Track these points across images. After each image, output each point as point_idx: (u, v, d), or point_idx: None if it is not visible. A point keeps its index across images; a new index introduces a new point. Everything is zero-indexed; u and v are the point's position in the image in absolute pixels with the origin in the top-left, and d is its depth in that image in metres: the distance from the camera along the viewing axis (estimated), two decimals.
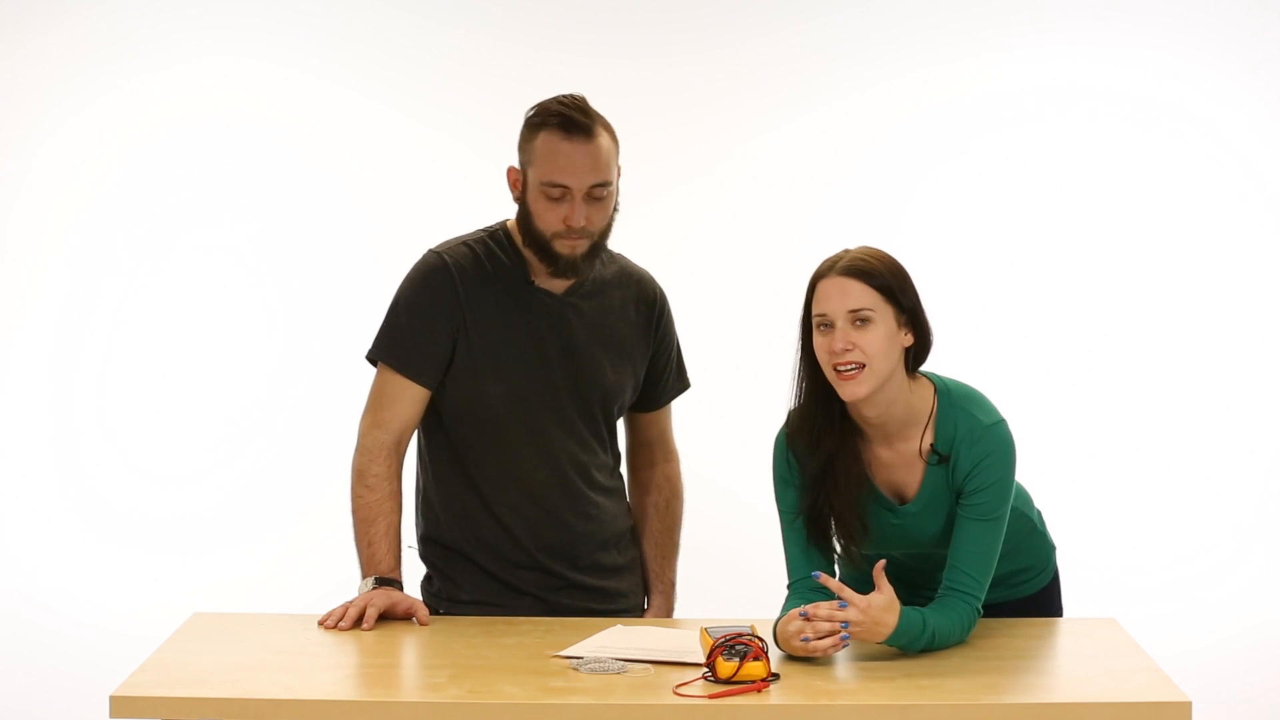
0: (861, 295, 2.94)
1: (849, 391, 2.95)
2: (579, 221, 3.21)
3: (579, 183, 3.20)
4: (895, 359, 2.97)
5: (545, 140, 3.22)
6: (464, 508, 3.37)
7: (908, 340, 2.99)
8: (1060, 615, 3.31)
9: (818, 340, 2.98)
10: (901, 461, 3.06)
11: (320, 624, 3.14)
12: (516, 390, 3.31)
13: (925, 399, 3.03)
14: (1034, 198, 5.06)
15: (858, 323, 2.94)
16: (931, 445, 3.03)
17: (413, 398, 3.31)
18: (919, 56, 5.05)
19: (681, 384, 3.55)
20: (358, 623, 3.14)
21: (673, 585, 3.55)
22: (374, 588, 3.22)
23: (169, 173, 5.06)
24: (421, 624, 3.17)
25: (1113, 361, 5.06)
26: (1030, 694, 2.82)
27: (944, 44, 5.06)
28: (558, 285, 3.34)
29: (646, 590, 3.54)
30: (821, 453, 3.03)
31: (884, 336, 2.95)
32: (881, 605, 2.88)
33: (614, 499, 3.46)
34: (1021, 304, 5.07)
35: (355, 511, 3.31)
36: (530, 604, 3.36)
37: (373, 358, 3.36)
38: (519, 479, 3.34)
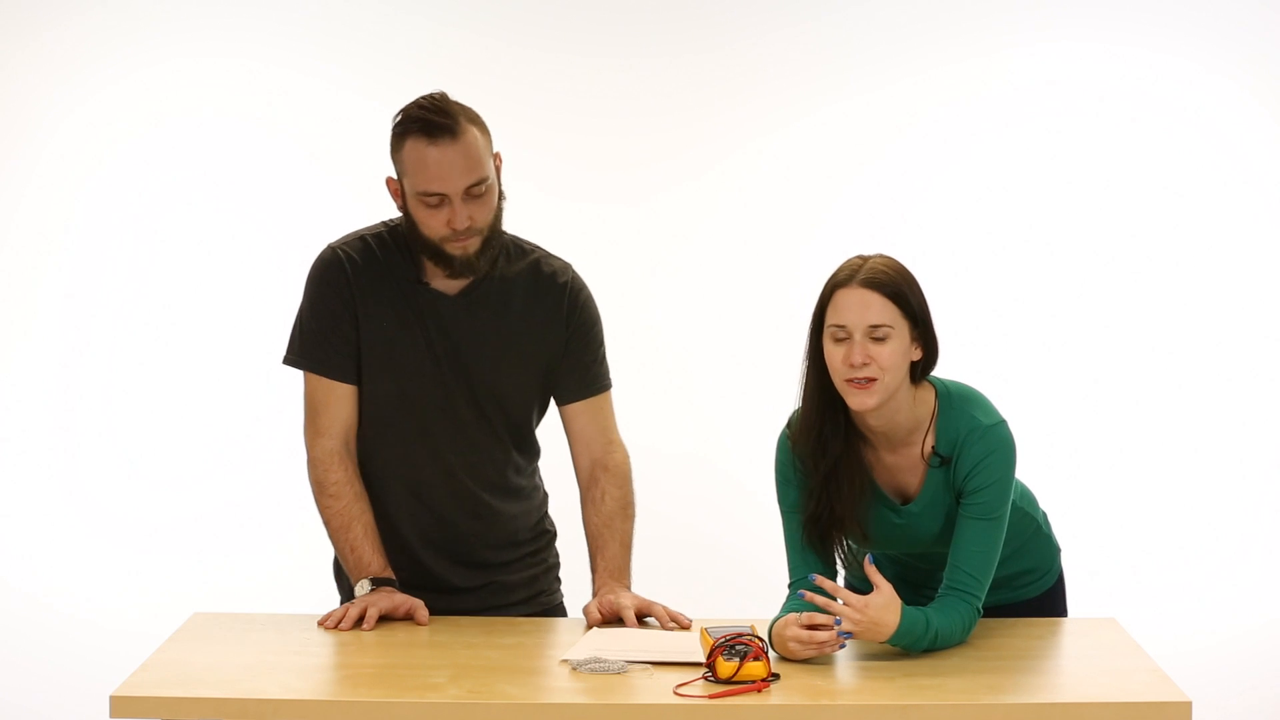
0: (882, 310, 2.93)
1: (859, 402, 2.95)
2: (462, 223, 3.16)
3: (453, 187, 3.14)
4: (905, 372, 2.97)
5: (412, 148, 3.16)
6: None
7: (917, 355, 2.99)
8: (1065, 617, 3.31)
9: (831, 349, 2.96)
10: (904, 464, 3.06)
11: (320, 624, 3.14)
12: (405, 389, 3.28)
13: (926, 404, 3.03)
14: (1038, 198, 5.06)
15: (876, 337, 2.93)
16: (934, 448, 3.03)
17: (343, 397, 3.30)
18: (923, 58, 5.05)
19: (605, 378, 3.38)
20: (358, 623, 3.13)
21: (617, 570, 3.31)
22: (370, 589, 3.22)
23: (169, 174, 5.06)
24: (420, 624, 3.17)
25: (1113, 361, 5.06)
26: (1030, 694, 2.81)
27: (946, 45, 5.05)
28: (451, 286, 3.28)
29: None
30: (827, 459, 3.02)
31: (900, 351, 2.94)
32: (880, 605, 2.88)
33: (518, 499, 3.39)
34: (1024, 304, 5.07)
35: (328, 523, 3.29)
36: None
37: (291, 363, 3.34)
38: (404, 476, 3.31)
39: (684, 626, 3.13)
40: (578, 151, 5.04)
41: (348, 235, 3.35)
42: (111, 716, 2.70)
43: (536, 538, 3.45)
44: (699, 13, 5.08)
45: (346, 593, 3.35)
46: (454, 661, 2.95)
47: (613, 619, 3.18)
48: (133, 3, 5.02)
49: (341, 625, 3.12)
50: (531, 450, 3.44)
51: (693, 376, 4.98)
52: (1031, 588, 3.27)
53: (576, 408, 3.38)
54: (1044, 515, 3.29)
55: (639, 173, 5.02)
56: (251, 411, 5.07)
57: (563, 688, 2.78)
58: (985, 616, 3.06)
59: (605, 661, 2.88)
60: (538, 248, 3.38)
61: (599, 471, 3.37)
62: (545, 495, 3.49)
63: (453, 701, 2.72)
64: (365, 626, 3.12)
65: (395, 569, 3.29)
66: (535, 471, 3.47)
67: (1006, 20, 5.04)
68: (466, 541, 3.34)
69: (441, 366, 3.28)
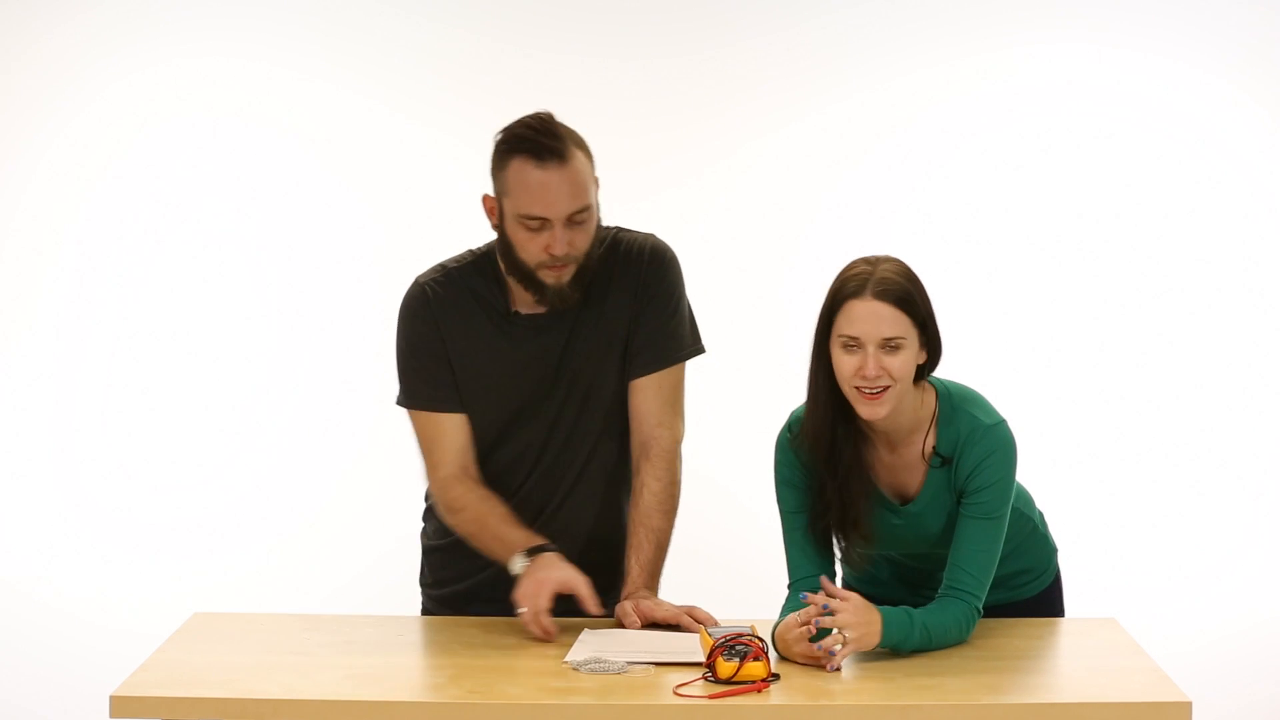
0: (895, 322, 2.91)
1: (871, 411, 2.94)
2: (561, 249, 3.09)
3: (557, 212, 3.07)
4: (913, 376, 2.97)
5: (518, 170, 3.09)
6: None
7: (923, 358, 2.99)
8: (1062, 617, 3.31)
9: (841, 358, 2.94)
10: (904, 464, 3.06)
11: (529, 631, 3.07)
12: (507, 413, 3.24)
13: (927, 404, 3.04)
14: (1036, 198, 5.06)
15: (889, 349, 2.92)
16: (934, 448, 3.03)
17: (451, 428, 3.24)
18: (920, 57, 5.05)
19: (677, 349, 3.25)
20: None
21: (650, 576, 3.22)
22: (525, 563, 3.10)
23: (169, 175, 5.06)
24: (590, 613, 3.06)
25: (1113, 361, 5.06)
26: (1030, 694, 2.82)
27: (943, 46, 5.05)
28: (539, 306, 3.21)
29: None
30: (840, 465, 3.01)
31: (910, 360, 2.94)
32: (861, 604, 2.88)
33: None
34: (1022, 304, 5.07)
35: (467, 538, 3.22)
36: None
37: (400, 404, 3.29)
38: (523, 497, 3.27)
39: (702, 622, 3.07)
40: None
41: (433, 268, 3.27)
42: (111, 716, 2.71)
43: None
44: (694, 13, 5.08)
45: (428, 594, 3.37)
46: (454, 661, 2.95)
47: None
48: (133, 3, 5.02)
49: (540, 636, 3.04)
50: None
51: (687, 377, 4.98)
52: (1028, 587, 3.28)
53: (641, 383, 3.24)
54: (1040, 515, 3.29)
55: (634, 173, 5.01)
56: (252, 412, 5.07)
57: (563, 688, 2.78)
58: (983, 616, 3.06)
59: (605, 661, 2.88)
60: (613, 228, 3.28)
61: (642, 458, 3.23)
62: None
63: (453, 701, 2.72)
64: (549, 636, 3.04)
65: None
66: None
67: (1003, 21, 5.04)
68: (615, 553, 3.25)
69: (541, 388, 3.22)
